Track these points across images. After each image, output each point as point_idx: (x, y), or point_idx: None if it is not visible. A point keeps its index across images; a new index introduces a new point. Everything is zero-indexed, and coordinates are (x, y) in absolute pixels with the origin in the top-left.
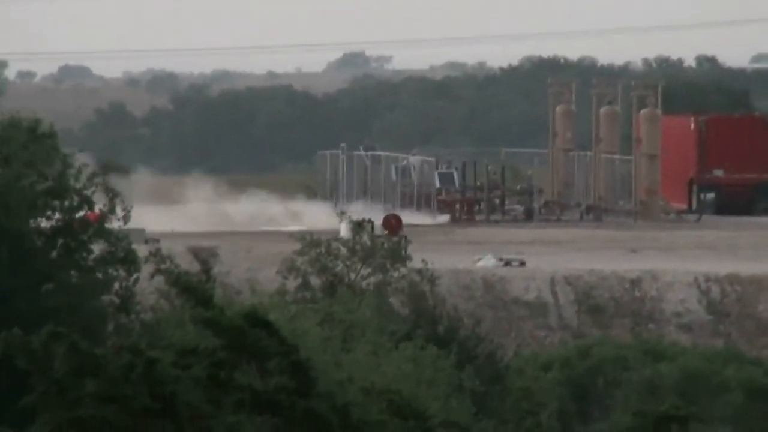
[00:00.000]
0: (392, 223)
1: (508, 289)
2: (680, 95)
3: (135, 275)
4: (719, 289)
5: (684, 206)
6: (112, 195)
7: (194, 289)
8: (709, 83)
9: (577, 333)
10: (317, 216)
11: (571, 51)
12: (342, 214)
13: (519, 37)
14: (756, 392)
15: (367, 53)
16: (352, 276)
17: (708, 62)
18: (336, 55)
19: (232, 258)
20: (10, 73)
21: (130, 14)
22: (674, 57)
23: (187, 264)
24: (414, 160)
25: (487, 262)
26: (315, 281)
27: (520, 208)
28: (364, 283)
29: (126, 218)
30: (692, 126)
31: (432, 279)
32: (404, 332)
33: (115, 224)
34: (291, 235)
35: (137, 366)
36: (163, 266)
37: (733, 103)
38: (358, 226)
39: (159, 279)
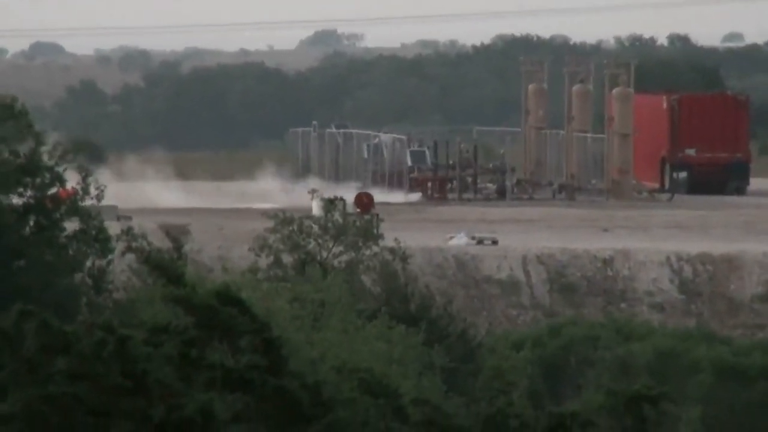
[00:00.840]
0: (364, 201)
1: (480, 268)
2: (653, 74)
3: (109, 257)
4: (691, 269)
5: (656, 185)
6: (85, 174)
7: (165, 267)
8: (682, 62)
9: (550, 312)
10: (289, 193)
11: (544, 29)
12: (313, 192)
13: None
14: (726, 372)
15: (339, 31)
16: (324, 254)
17: (680, 41)
18: (308, 32)
19: (204, 236)
20: None
21: None
22: (647, 35)
23: (159, 241)
24: (386, 138)
25: (460, 240)
26: (287, 259)
27: (492, 186)
28: (336, 261)
29: (99, 197)
30: (664, 105)
31: (404, 257)
32: (375, 310)
33: (87, 202)
34: (263, 212)
35: (109, 344)
36: (134, 244)
37: (705, 81)
38: (330, 204)
39: (131, 256)
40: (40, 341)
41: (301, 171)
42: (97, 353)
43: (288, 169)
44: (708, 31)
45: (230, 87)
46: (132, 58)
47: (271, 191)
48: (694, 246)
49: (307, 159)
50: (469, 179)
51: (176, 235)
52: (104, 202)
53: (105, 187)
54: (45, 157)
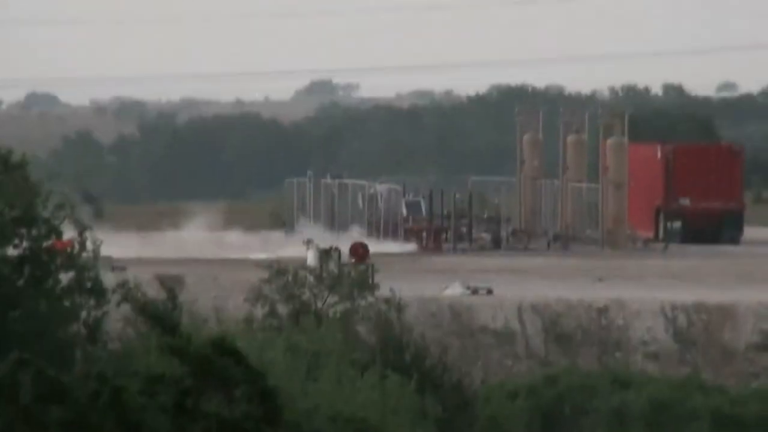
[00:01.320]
0: (359, 252)
1: (475, 318)
2: (647, 123)
3: (105, 308)
4: (686, 318)
5: (651, 235)
6: (82, 229)
7: (160, 317)
8: (676, 111)
9: (545, 362)
10: (285, 244)
11: (538, 79)
12: (309, 242)
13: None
14: (722, 421)
15: (335, 81)
16: (319, 304)
17: (674, 90)
18: (303, 82)
19: (199, 286)
20: None
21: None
22: (641, 85)
23: (154, 292)
24: (381, 188)
25: (454, 290)
26: (282, 309)
27: (487, 236)
28: (331, 311)
29: (96, 251)
30: (659, 155)
31: (399, 307)
32: (369, 360)
33: (84, 255)
34: (258, 263)
35: (104, 393)
36: (129, 295)
37: (699, 131)
38: (325, 254)
39: (126, 307)
40: (36, 390)
41: (297, 221)
42: (93, 403)
43: (284, 219)
44: (702, 80)
45: (226, 137)
46: (128, 108)
47: (266, 241)
48: (688, 295)
49: (302, 209)
50: (464, 229)
51: (171, 285)
52: (99, 255)
53: (101, 242)
54: (40, 208)
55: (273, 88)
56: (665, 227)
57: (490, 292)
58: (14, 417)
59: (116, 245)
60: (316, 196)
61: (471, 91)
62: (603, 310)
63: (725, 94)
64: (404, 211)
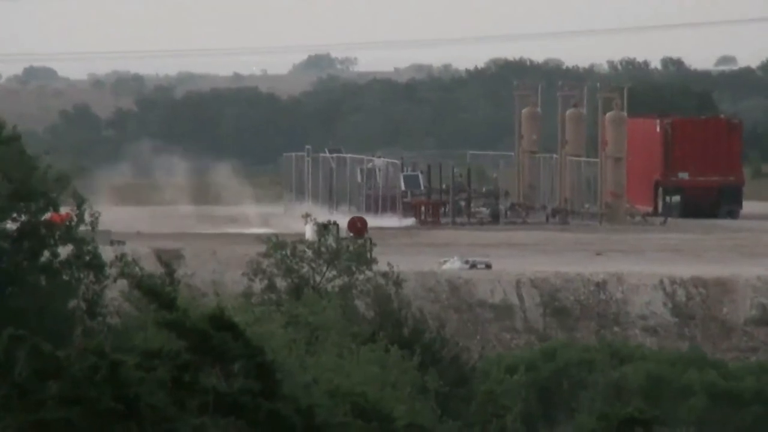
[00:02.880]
0: (357, 226)
1: (473, 292)
2: (646, 98)
3: (104, 282)
4: (684, 292)
5: (649, 209)
6: (80, 201)
7: (158, 292)
8: (675, 85)
9: (543, 336)
10: (283, 218)
11: (537, 53)
12: (307, 216)
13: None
14: (718, 396)
15: (332, 55)
16: (318, 278)
17: (673, 64)
18: (301, 57)
19: (198, 260)
20: None
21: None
22: (640, 59)
23: (152, 266)
24: (379, 162)
25: (453, 264)
26: (281, 283)
27: (485, 210)
28: (329, 286)
29: (94, 224)
30: (657, 128)
31: (397, 281)
32: (369, 334)
33: (82, 229)
34: (256, 237)
35: (101, 368)
36: (127, 270)
37: (698, 105)
38: (324, 229)
39: (124, 281)
40: (32, 366)
41: (295, 195)
42: (90, 378)
43: (282, 193)
44: (701, 54)
45: (223, 111)
46: (125, 82)
47: (264, 216)
48: (687, 269)
49: (300, 183)
50: (463, 203)
51: (169, 259)
52: (98, 228)
53: (99, 214)
54: (38, 183)
55: (271, 63)
56: (664, 201)
57: (488, 266)
58: (10, 393)
59: (114, 220)
60: (314, 171)
61: (469, 65)
62: (601, 285)
63: (724, 67)
64: (402, 185)
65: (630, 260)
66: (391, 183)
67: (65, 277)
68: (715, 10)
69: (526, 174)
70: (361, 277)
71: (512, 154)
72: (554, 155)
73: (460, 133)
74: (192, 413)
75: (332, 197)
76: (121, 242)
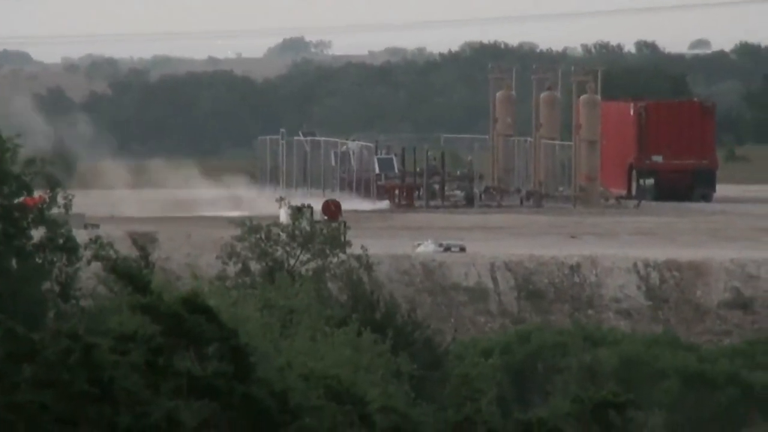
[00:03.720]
0: (332, 209)
1: (447, 275)
2: (620, 81)
3: (77, 265)
4: (658, 275)
5: (623, 192)
6: (54, 184)
7: (132, 275)
8: (649, 69)
9: (517, 319)
10: (257, 201)
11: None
12: (281, 199)
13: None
14: (691, 379)
15: (307, 39)
16: (292, 261)
17: (647, 48)
18: (276, 40)
19: (172, 243)
20: None
21: None
22: (614, 43)
23: (127, 249)
24: (353, 145)
25: (427, 247)
26: (255, 267)
27: (460, 193)
28: (303, 269)
29: (67, 206)
30: (631, 112)
31: (368, 265)
32: (342, 318)
33: (55, 211)
34: (230, 220)
35: (75, 351)
36: (101, 253)
37: (672, 88)
38: (298, 212)
39: (98, 265)
40: (6, 349)
41: (269, 179)
42: (63, 361)
43: (256, 176)
44: (675, 38)
45: (199, 95)
46: (99, 66)
47: (239, 199)
48: (660, 252)
49: (275, 167)
50: (437, 186)
51: (144, 243)
52: (72, 211)
53: (73, 196)
54: (11, 165)
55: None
56: (638, 184)
57: (462, 249)
58: None
59: (89, 203)
60: (288, 154)
61: (444, 49)
62: (575, 268)
63: (698, 51)
64: (377, 168)
65: (604, 243)
66: (365, 166)
67: (38, 260)
68: None
69: (501, 157)
70: (335, 260)
71: (487, 137)
72: (529, 138)
73: (435, 116)
74: (166, 396)
75: (306, 180)
76: (95, 225)
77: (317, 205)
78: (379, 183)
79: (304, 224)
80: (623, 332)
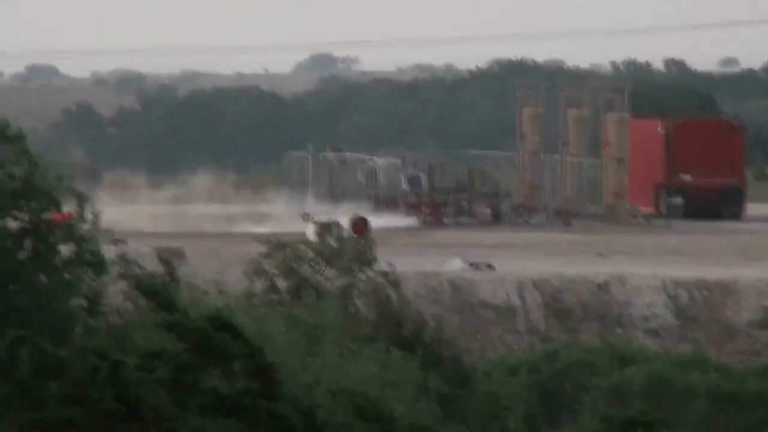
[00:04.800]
0: (360, 226)
1: (475, 293)
2: (648, 99)
3: (105, 281)
4: (687, 294)
5: (652, 210)
6: (81, 199)
7: (157, 293)
8: (678, 87)
9: (545, 337)
10: (285, 217)
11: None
12: (308, 216)
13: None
14: (721, 399)
15: (335, 54)
16: (319, 278)
17: (676, 65)
18: (303, 56)
19: (200, 259)
20: None
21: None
22: (642, 60)
23: (155, 265)
24: (381, 162)
25: (455, 265)
26: (282, 283)
27: (488, 211)
28: (330, 286)
29: (95, 222)
30: (660, 130)
31: (395, 282)
32: (369, 334)
33: (83, 226)
34: (257, 237)
35: (102, 368)
36: (127, 270)
37: (701, 107)
38: (325, 228)
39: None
40: (34, 365)
41: (297, 194)
42: (91, 378)
43: (284, 192)
44: (704, 56)
45: (226, 110)
46: (128, 80)
47: (266, 215)
48: (689, 271)
49: (302, 182)
50: (465, 203)
51: (171, 258)
52: (100, 226)
53: (100, 212)
54: (39, 181)
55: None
56: (666, 203)
57: (490, 267)
58: (12, 392)
59: (117, 218)
60: (316, 170)
61: (472, 65)
62: (603, 286)
63: (727, 69)
64: (405, 185)
65: (632, 262)
66: (392, 183)
67: (66, 276)
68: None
69: (529, 174)
70: (362, 277)
71: (514, 154)
72: (556, 156)
73: (463, 133)
74: (193, 414)
75: (334, 197)
76: (123, 241)
77: (345, 222)
78: (407, 200)
79: (332, 241)
80: (652, 351)
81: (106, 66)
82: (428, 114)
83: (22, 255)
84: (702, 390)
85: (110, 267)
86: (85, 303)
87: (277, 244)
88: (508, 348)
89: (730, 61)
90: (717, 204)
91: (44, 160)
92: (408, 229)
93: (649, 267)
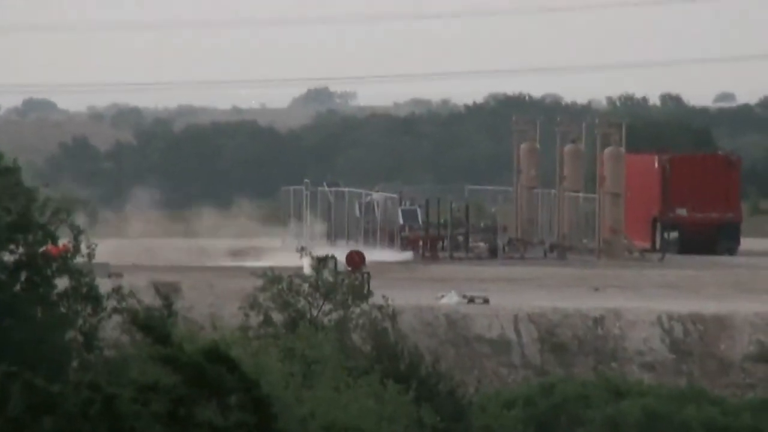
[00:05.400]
0: (355, 260)
1: (471, 327)
2: (644, 133)
3: (101, 315)
4: (682, 328)
5: (647, 245)
6: (77, 232)
7: (152, 326)
8: (673, 122)
9: (540, 371)
10: (281, 251)
11: (536, 89)
12: (303, 249)
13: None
14: None
15: (332, 89)
16: (314, 312)
17: (672, 101)
18: (300, 90)
19: (195, 293)
20: None
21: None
22: (638, 95)
23: (151, 298)
24: (377, 196)
25: (450, 299)
26: (277, 317)
27: (483, 245)
28: (326, 319)
29: (91, 255)
30: (656, 164)
31: (392, 316)
32: (365, 368)
33: (78, 259)
34: (253, 271)
35: (96, 402)
36: (122, 304)
37: (697, 141)
38: (321, 263)
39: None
40: (26, 401)
41: (293, 229)
42: (84, 412)
43: (280, 227)
44: (700, 91)
45: (223, 145)
46: (124, 115)
47: (262, 249)
48: (685, 305)
49: (298, 217)
50: (461, 238)
51: (167, 292)
52: (96, 260)
53: (96, 245)
54: (35, 214)
55: (270, 96)
56: (662, 237)
57: (486, 301)
58: (4, 428)
59: (112, 252)
60: (312, 204)
61: (468, 100)
62: (599, 320)
63: (723, 104)
64: (401, 219)
65: (628, 296)
66: (389, 217)
67: (62, 309)
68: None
69: (525, 209)
70: (357, 310)
71: (511, 189)
72: (553, 190)
73: (459, 167)
74: None
75: (330, 231)
76: (119, 275)
77: (341, 256)
78: (403, 234)
79: (327, 275)
80: (647, 384)
81: (103, 100)
82: (425, 148)
83: (17, 288)
84: (697, 424)
85: (106, 300)
86: (80, 337)
87: (273, 278)
88: (504, 382)
89: (727, 96)
90: (713, 238)
91: (40, 193)
92: (404, 264)
93: (645, 301)
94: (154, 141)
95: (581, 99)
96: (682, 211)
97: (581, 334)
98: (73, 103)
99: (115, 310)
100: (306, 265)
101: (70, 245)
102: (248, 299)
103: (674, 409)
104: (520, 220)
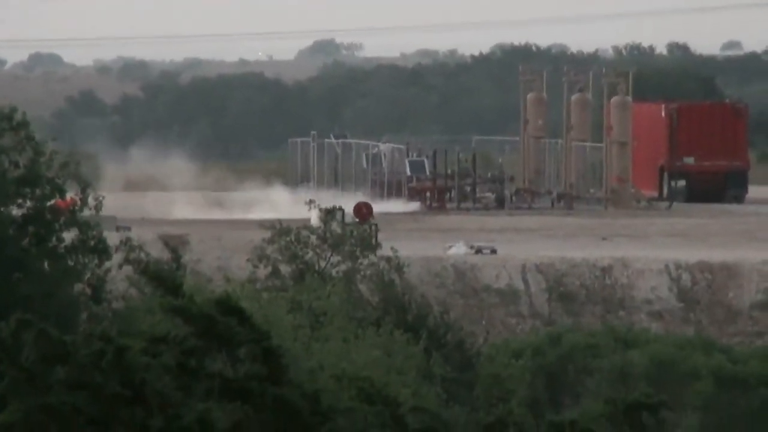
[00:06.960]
0: (363, 211)
1: (479, 277)
2: (651, 82)
3: (107, 265)
4: (690, 277)
5: (655, 194)
6: (84, 185)
7: (163, 277)
8: (680, 70)
9: (548, 321)
10: (288, 203)
11: (542, 38)
12: (311, 202)
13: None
14: (725, 380)
15: (338, 41)
16: (322, 264)
17: (679, 49)
18: (307, 42)
19: (203, 246)
20: None
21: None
22: (645, 44)
23: (158, 252)
24: (385, 147)
25: (458, 249)
26: (285, 269)
27: (491, 195)
28: (333, 271)
29: (98, 207)
30: (663, 113)
31: (399, 267)
32: (373, 319)
33: (86, 213)
34: (261, 223)
35: (107, 353)
36: (132, 255)
37: (703, 90)
38: (329, 214)
39: (129, 266)
40: (39, 351)
41: (300, 181)
42: (96, 363)
43: (287, 179)
44: (707, 39)
45: (229, 97)
46: (131, 68)
47: (270, 201)
48: (692, 254)
49: (306, 169)
50: (468, 188)
51: (175, 245)
52: (103, 213)
53: (103, 197)
54: (43, 168)
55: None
56: (669, 186)
57: (494, 251)
58: (17, 377)
59: (120, 205)
60: (319, 156)
61: (475, 51)
62: (607, 269)
63: (730, 53)
64: (408, 170)
65: (635, 245)
66: (396, 168)
67: (70, 263)
68: None
69: (532, 159)
70: (365, 262)
71: (518, 139)
72: (559, 140)
73: (466, 118)
74: (198, 398)
75: (338, 183)
76: (127, 228)
77: (349, 208)
78: (410, 185)
79: (335, 227)
80: (655, 334)
81: (110, 54)
82: (432, 99)
83: (25, 242)
84: (706, 372)
85: (114, 253)
86: (89, 290)
87: (281, 230)
88: (512, 332)
89: (734, 45)
90: (720, 187)
91: (48, 147)
92: (411, 215)
93: (653, 250)
94: (161, 94)
95: (588, 48)
96: (689, 160)
97: (589, 284)
98: (79, 57)
99: (125, 262)
100: (314, 216)
101: (78, 199)
102: (256, 251)
103: (682, 358)
104: (527, 170)
